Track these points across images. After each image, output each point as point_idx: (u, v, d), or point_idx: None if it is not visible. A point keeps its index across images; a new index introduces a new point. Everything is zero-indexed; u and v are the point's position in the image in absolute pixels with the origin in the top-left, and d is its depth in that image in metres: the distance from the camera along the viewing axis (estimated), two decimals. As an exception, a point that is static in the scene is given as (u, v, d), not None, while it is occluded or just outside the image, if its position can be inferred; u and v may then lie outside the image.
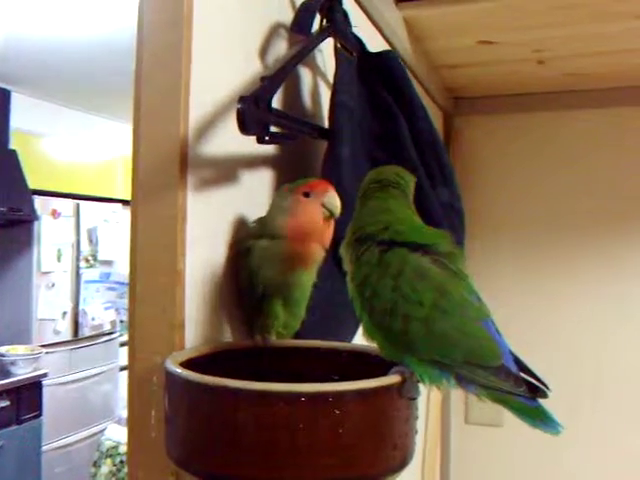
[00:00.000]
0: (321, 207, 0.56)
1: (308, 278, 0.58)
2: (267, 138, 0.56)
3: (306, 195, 0.56)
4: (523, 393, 0.46)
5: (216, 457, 0.43)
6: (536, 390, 0.46)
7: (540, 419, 0.46)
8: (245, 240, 0.58)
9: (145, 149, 0.53)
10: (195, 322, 0.54)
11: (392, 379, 0.45)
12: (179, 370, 0.45)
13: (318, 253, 0.56)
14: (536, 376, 0.48)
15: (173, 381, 0.46)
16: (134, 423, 0.53)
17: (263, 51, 0.64)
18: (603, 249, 1.49)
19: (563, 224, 1.51)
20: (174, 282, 0.51)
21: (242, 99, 0.51)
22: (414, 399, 0.46)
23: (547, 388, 0.47)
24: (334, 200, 0.56)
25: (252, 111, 0.52)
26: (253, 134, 0.54)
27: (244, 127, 0.52)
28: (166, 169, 0.51)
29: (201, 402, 0.44)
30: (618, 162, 1.48)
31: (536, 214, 1.54)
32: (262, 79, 0.55)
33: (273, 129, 0.57)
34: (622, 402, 1.46)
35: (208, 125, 0.55)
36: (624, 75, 1.36)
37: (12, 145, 3.29)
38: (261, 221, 0.59)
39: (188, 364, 0.48)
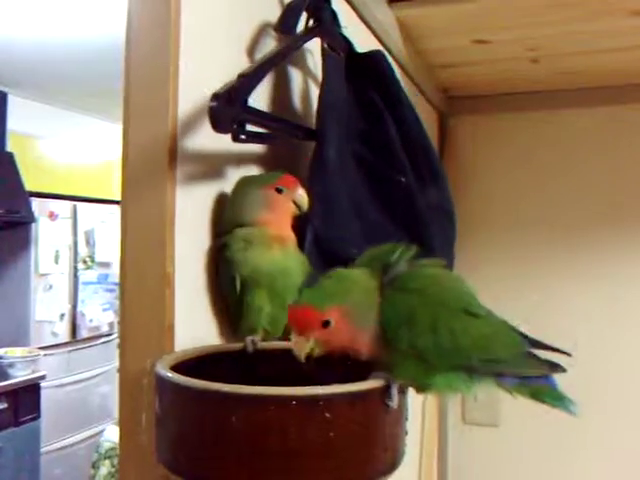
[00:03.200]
0: (292, 203, 0.59)
1: (289, 260, 0.58)
2: (243, 137, 0.56)
3: (279, 191, 0.59)
4: (548, 371, 0.50)
5: (207, 461, 0.43)
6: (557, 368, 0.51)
7: (570, 403, 0.50)
8: (221, 235, 0.58)
9: (133, 148, 0.52)
10: (185, 324, 0.54)
11: (382, 382, 0.45)
12: (170, 374, 0.45)
13: (291, 236, 0.60)
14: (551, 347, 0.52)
15: (164, 385, 0.46)
16: (125, 426, 0.53)
17: (251, 49, 0.64)
18: (599, 250, 1.48)
19: (558, 224, 1.51)
20: (163, 284, 0.51)
21: (215, 96, 0.51)
22: (393, 407, 0.45)
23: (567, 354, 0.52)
24: (304, 197, 0.60)
25: (224, 109, 0.51)
26: (225, 132, 0.53)
27: (215, 124, 0.51)
28: (154, 168, 0.51)
29: (192, 406, 0.44)
30: (614, 161, 1.48)
31: (531, 214, 1.53)
32: (239, 76, 0.54)
33: (254, 129, 0.57)
34: (619, 401, 1.46)
35: (197, 123, 0.55)
36: (620, 73, 1.36)
37: (9, 147, 3.29)
38: (227, 216, 0.59)
39: (178, 367, 0.48)
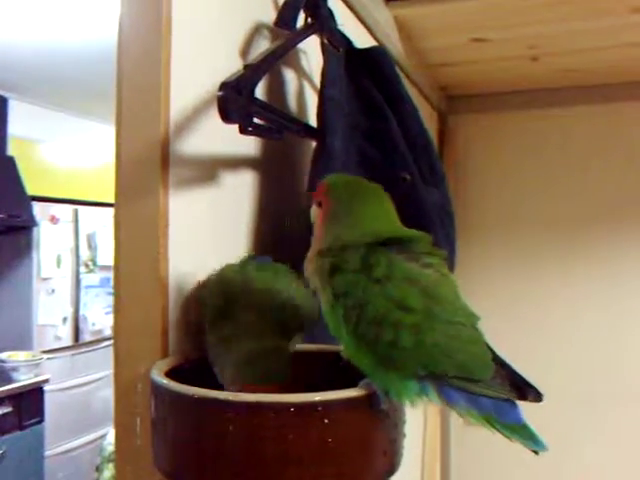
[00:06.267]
0: None
1: None
2: (250, 129, 0.54)
3: None
4: (514, 398, 0.45)
5: (204, 468, 0.43)
6: (527, 395, 0.45)
7: (528, 437, 0.44)
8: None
9: (126, 151, 0.52)
10: (179, 329, 0.53)
11: (371, 388, 0.44)
12: (166, 381, 0.45)
13: None
14: (527, 381, 0.46)
15: (160, 392, 0.45)
16: (120, 431, 0.53)
17: (245, 51, 0.63)
18: (599, 251, 1.48)
19: (558, 223, 1.50)
20: (157, 289, 0.50)
21: (223, 85, 0.50)
22: (383, 411, 0.44)
23: (538, 394, 0.45)
24: None
25: (234, 98, 0.50)
26: (235, 122, 0.52)
27: (225, 115, 0.50)
28: (147, 172, 0.51)
29: (189, 414, 0.43)
30: (614, 159, 1.47)
31: (531, 212, 1.53)
32: (245, 67, 0.53)
33: (257, 121, 0.55)
34: (617, 403, 1.45)
35: (190, 125, 0.54)
36: (619, 71, 1.36)
37: (10, 152, 3.28)
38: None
39: (173, 372, 0.48)
